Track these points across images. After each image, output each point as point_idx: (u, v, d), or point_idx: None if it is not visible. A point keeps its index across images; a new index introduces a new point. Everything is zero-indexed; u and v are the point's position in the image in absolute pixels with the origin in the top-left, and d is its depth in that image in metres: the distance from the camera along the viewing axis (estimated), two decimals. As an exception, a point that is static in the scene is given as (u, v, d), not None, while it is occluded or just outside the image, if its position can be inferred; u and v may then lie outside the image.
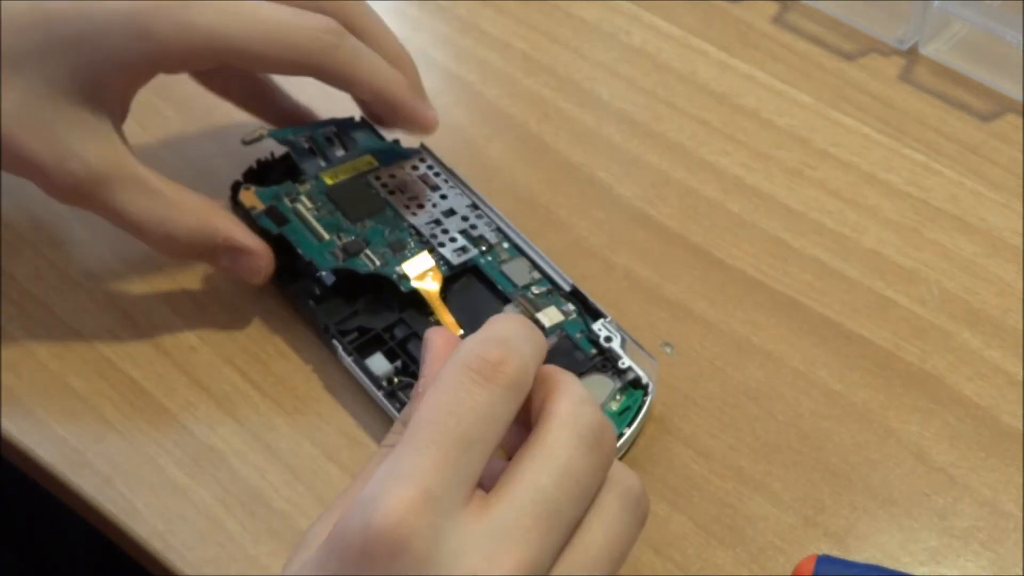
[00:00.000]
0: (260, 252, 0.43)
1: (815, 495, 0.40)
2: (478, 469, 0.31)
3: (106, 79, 0.40)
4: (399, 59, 0.45)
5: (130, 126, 0.51)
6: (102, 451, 0.41)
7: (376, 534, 0.29)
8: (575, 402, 0.33)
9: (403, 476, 0.30)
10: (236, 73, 0.47)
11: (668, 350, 0.44)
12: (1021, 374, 0.43)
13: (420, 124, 0.45)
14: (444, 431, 0.31)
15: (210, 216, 0.42)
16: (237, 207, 0.45)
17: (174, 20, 0.40)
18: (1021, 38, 0.50)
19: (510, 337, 0.33)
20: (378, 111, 0.45)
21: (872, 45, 0.55)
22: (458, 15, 0.56)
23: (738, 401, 0.43)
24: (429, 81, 0.54)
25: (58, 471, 0.41)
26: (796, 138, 0.51)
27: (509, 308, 0.42)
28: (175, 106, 0.50)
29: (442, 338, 0.36)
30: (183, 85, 0.48)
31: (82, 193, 0.41)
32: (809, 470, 0.41)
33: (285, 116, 0.48)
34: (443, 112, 0.52)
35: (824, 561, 0.37)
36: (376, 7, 0.57)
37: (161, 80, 0.49)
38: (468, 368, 0.32)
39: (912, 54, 0.54)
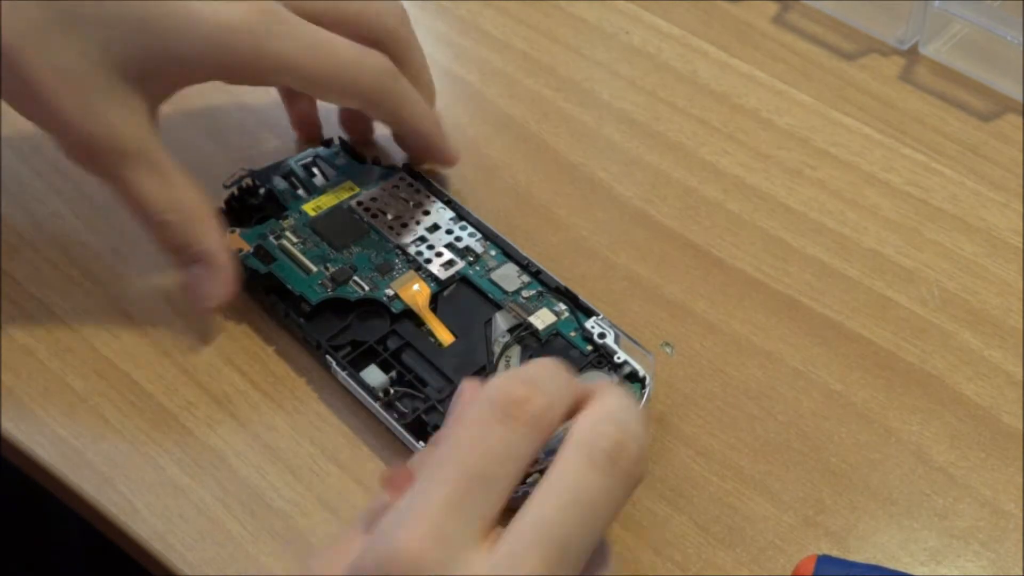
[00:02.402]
0: (224, 278, 0.43)
1: (815, 495, 0.40)
2: (495, 506, 0.31)
3: (162, 72, 0.41)
4: (430, 96, 0.47)
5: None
6: (102, 451, 0.41)
7: (389, 568, 0.30)
8: (593, 421, 0.32)
9: (417, 512, 0.30)
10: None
11: (668, 350, 0.44)
12: (1021, 374, 0.43)
13: (445, 161, 0.48)
14: (462, 468, 0.31)
15: (204, 222, 0.42)
16: None
17: (255, 44, 0.41)
18: (1021, 38, 0.50)
19: (537, 377, 0.33)
20: (411, 146, 0.47)
21: (872, 45, 0.55)
22: (458, 15, 0.56)
23: (738, 401, 0.43)
24: (429, 81, 0.54)
25: (58, 471, 0.41)
26: (796, 138, 0.51)
27: (501, 315, 0.42)
28: (175, 105, 0.50)
29: (472, 389, 0.36)
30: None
31: (99, 160, 0.41)
32: (809, 470, 0.41)
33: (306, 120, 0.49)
34: (443, 112, 0.52)
35: (824, 561, 0.37)
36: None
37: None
38: (492, 404, 0.32)
39: (912, 54, 0.54)
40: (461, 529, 0.30)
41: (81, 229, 0.47)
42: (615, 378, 0.41)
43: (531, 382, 0.33)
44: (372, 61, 0.43)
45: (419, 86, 0.46)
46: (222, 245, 0.43)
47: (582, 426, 0.32)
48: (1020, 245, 0.47)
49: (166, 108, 0.51)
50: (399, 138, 0.48)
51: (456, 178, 0.50)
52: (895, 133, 0.51)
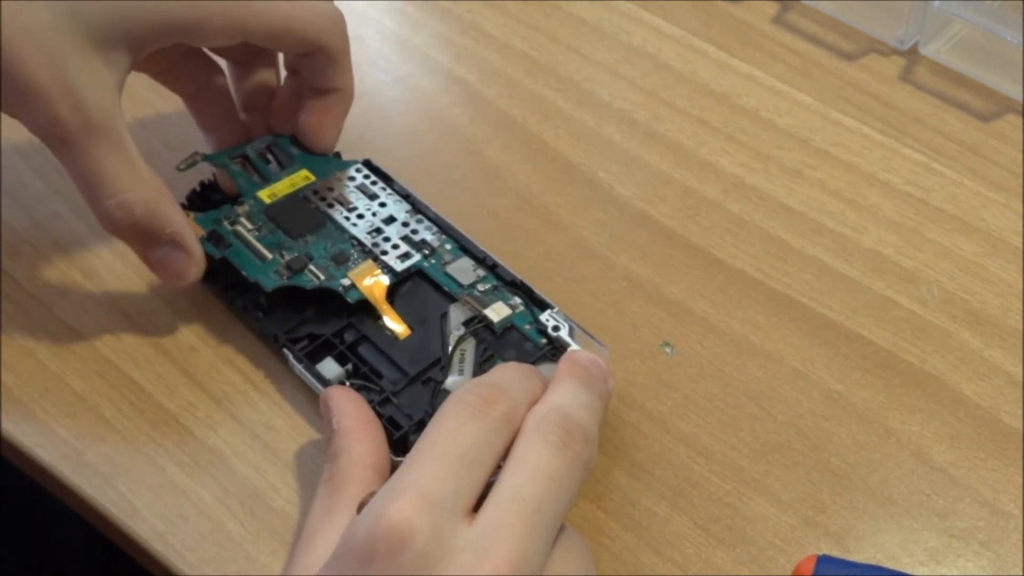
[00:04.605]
0: (197, 257, 0.43)
1: (815, 495, 0.40)
2: (475, 486, 0.34)
3: (134, 33, 0.41)
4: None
5: (130, 126, 0.51)
6: (102, 451, 0.41)
7: (380, 534, 0.31)
8: (542, 412, 0.36)
9: (405, 485, 0.33)
10: (214, 94, 0.47)
11: (668, 350, 0.44)
12: (1021, 374, 0.43)
13: (330, 142, 0.47)
14: (443, 450, 0.34)
15: (169, 204, 0.42)
16: None
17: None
18: (1021, 38, 0.50)
19: (502, 382, 0.36)
20: (325, 106, 0.46)
21: (872, 45, 0.55)
22: (458, 15, 0.56)
23: (738, 401, 0.43)
24: (429, 81, 0.54)
25: (58, 471, 0.41)
26: (796, 138, 0.51)
27: (456, 307, 0.42)
28: (176, 106, 0.50)
29: (342, 393, 0.39)
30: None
31: (64, 135, 0.40)
32: (809, 470, 0.41)
33: (229, 129, 0.48)
34: (443, 112, 0.52)
35: (824, 561, 0.37)
36: (377, 7, 0.57)
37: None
38: (464, 403, 0.35)
39: (912, 54, 0.54)
40: (447, 499, 0.33)
41: (81, 229, 0.47)
42: (576, 345, 0.41)
43: (495, 386, 0.36)
44: (326, 4, 0.44)
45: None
46: (188, 226, 0.43)
47: (532, 418, 0.36)
48: (1020, 245, 0.47)
49: (166, 108, 0.51)
50: (313, 94, 0.46)
51: (456, 178, 0.50)
52: (895, 133, 0.51)
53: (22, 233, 0.47)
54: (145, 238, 0.42)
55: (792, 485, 0.40)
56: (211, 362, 0.44)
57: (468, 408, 0.35)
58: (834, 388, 0.43)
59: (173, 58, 0.46)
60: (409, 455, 0.34)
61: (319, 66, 0.45)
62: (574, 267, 0.46)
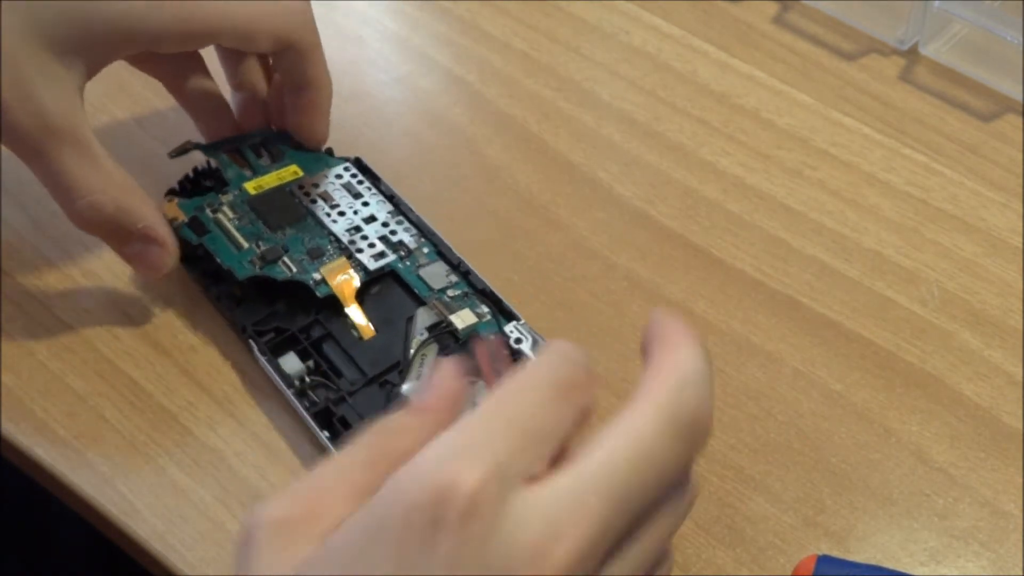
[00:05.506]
0: (171, 249, 0.43)
1: (815, 495, 0.40)
2: (543, 461, 0.29)
3: (92, 46, 0.41)
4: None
5: (129, 124, 0.51)
6: (102, 451, 0.41)
7: (449, 499, 0.28)
8: (679, 384, 0.30)
9: (476, 447, 0.29)
10: (195, 80, 0.47)
11: (668, 350, 0.44)
12: (1021, 374, 0.43)
13: (317, 130, 0.47)
14: (522, 424, 0.30)
15: (139, 199, 0.42)
16: None
17: (185, 4, 0.41)
18: (1021, 38, 0.50)
19: (587, 363, 0.32)
20: (301, 104, 0.46)
21: (872, 45, 0.55)
22: (458, 15, 0.56)
23: (738, 401, 0.43)
24: (429, 81, 0.54)
25: (58, 471, 0.41)
26: (796, 138, 0.51)
27: (422, 311, 0.42)
28: (173, 103, 0.50)
29: (449, 370, 0.34)
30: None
31: (28, 142, 0.40)
32: (809, 470, 0.41)
33: (218, 116, 0.48)
34: (443, 112, 0.52)
35: (824, 561, 0.37)
36: (377, 7, 0.57)
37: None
38: (553, 379, 0.31)
39: (912, 54, 0.54)
40: (518, 473, 0.29)
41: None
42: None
43: (589, 372, 0.31)
44: (291, 2, 0.44)
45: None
46: (161, 218, 0.43)
47: (668, 386, 0.30)
48: (1020, 245, 0.47)
49: (166, 108, 0.51)
50: (293, 92, 0.46)
51: (456, 178, 0.50)
52: (895, 133, 0.51)
53: (22, 233, 0.47)
54: (118, 234, 0.42)
55: (792, 485, 0.40)
56: (211, 362, 0.44)
57: (553, 387, 0.30)
58: (834, 388, 0.43)
59: None
60: (480, 413, 0.30)
61: (291, 62, 0.45)
62: (574, 267, 0.46)
